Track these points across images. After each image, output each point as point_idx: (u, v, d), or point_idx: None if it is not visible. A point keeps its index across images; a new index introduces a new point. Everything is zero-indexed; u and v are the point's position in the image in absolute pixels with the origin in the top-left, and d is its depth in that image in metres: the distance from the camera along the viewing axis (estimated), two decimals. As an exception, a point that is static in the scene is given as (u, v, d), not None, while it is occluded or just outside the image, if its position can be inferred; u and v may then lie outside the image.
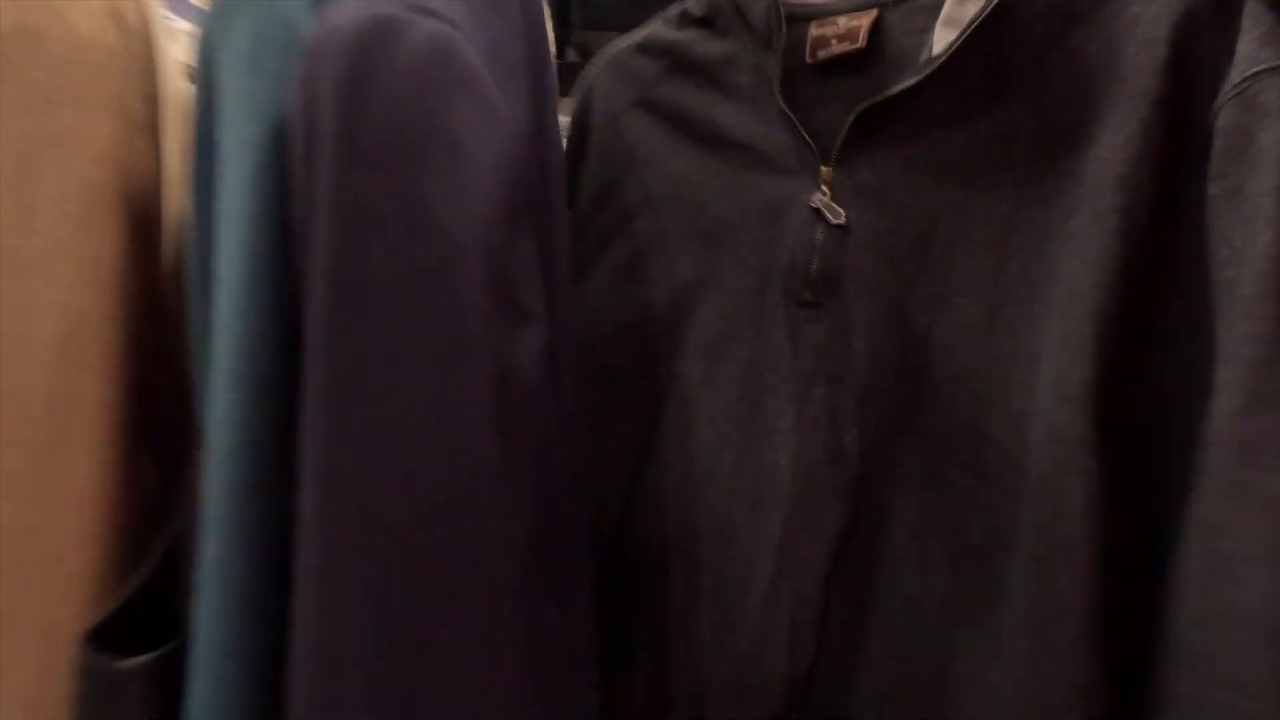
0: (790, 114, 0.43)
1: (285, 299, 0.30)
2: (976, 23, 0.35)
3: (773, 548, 0.41)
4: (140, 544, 0.37)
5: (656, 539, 0.45)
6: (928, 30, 0.41)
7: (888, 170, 0.40)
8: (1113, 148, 0.32)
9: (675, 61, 0.50)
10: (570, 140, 0.56)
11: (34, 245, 0.35)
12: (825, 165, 0.42)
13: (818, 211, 0.42)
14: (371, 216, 0.29)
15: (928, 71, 0.36)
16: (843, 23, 0.43)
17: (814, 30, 0.44)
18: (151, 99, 0.40)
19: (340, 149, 0.28)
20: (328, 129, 0.28)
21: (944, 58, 0.36)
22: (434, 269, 0.30)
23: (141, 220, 0.38)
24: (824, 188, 0.42)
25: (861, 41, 0.42)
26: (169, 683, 0.32)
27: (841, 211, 0.41)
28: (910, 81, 0.37)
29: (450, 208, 0.30)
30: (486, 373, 0.31)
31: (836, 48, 0.43)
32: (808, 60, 0.44)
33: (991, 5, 0.34)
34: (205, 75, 0.33)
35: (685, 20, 0.50)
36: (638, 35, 0.54)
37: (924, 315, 0.38)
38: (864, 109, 0.39)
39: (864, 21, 0.42)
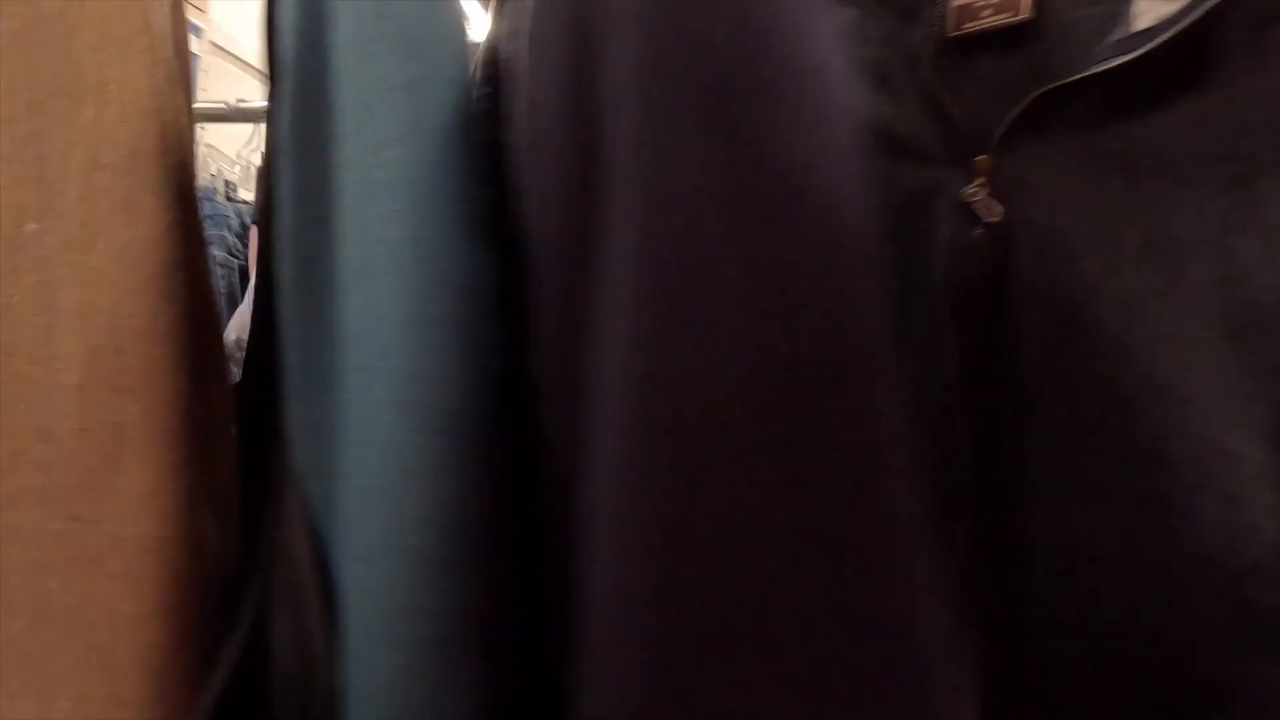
0: (943, 95, 0.38)
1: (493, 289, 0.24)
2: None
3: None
4: (205, 619, 0.29)
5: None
6: (1101, 2, 0.37)
7: (1062, 161, 0.36)
8: None
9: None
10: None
11: (54, 231, 0.25)
12: (982, 154, 0.38)
13: (968, 206, 0.38)
14: (729, 186, 0.22)
15: (1145, 49, 0.32)
16: (995, -9, 0.39)
17: (957, -1, 0.39)
18: (182, 44, 0.31)
19: (675, 96, 0.22)
20: (649, 69, 0.22)
21: (1169, 34, 0.32)
22: (808, 235, 0.23)
23: (183, 198, 0.29)
24: (979, 179, 0.38)
25: (1027, 12, 0.37)
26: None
27: (1000, 208, 0.37)
28: (1119, 60, 0.33)
29: (823, 167, 0.23)
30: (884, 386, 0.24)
31: (991, 19, 0.38)
32: (949, 33, 0.39)
33: None
34: (314, 9, 0.27)
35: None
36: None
37: (1113, 321, 0.34)
38: (1045, 91, 0.35)
39: (1025, -11, 0.38)
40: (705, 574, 0.21)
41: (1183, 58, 0.33)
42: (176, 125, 0.29)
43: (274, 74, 0.29)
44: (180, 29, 0.31)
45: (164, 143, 0.28)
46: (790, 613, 0.21)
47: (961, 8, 0.39)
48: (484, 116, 0.27)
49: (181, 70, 0.31)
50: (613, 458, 0.23)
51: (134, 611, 0.27)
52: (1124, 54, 0.33)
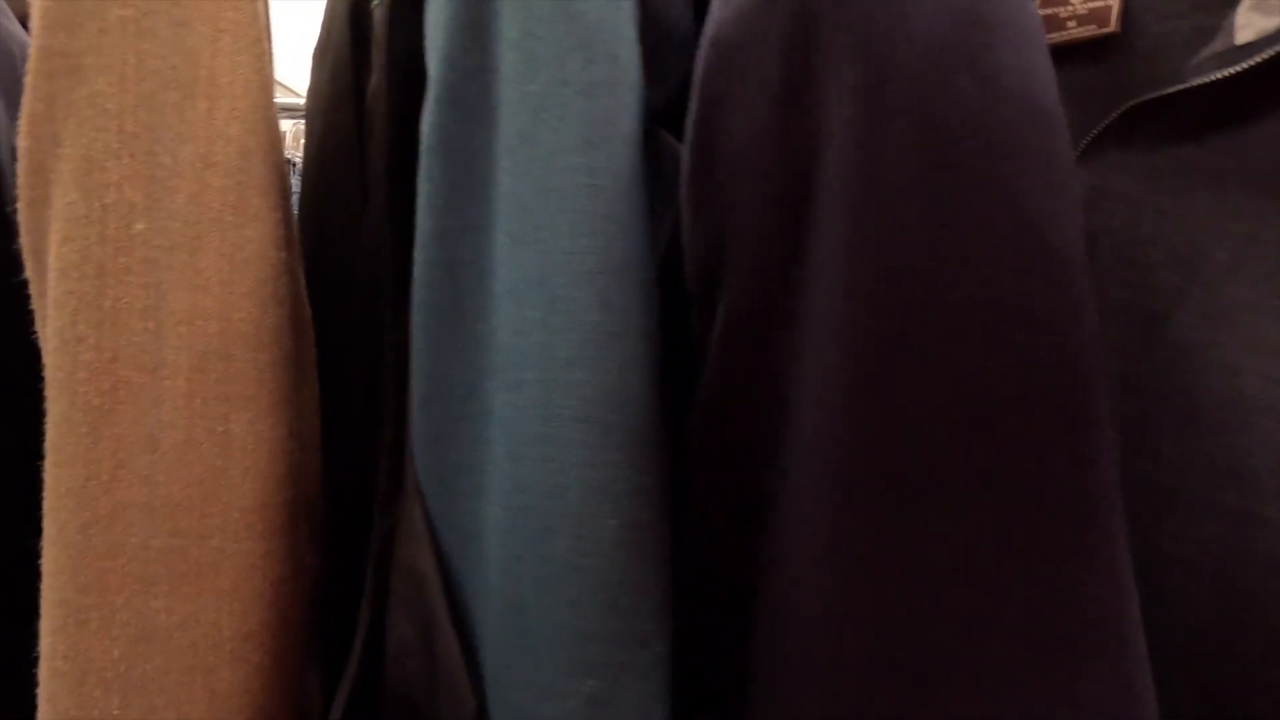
0: (1030, 104, 0.38)
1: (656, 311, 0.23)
2: None
3: None
4: (305, 639, 0.27)
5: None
6: (1187, 15, 0.37)
7: (1148, 172, 0.36)
8: None
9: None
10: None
11: (164, 231, 0.24)
12: (1068, 162, 0.38)
13: (1052, 213, 0.38)
14: (982, 239, 0.22)
15: (1248, 64, 0.32)
16: (1078, 2, 0.39)
17: (1040, 9, 0.39)
18: (269, 32, 0.30)
19: (896, 140, 0.21)
20: (870, 109, 0.21)
21: (1268, 54, 0.32)
22: (1043, 305, 0.22)
23: (285, 198, 0.28)
24: (1063, 187, 0.38)
25: (1114, 25, 0.37)
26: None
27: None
28: (1221, 74, 0.33)
29: (1061, 225, 0.23)
30: (1104, 447, 0.24)
31: (1076, 31, 0.38)
32: (1032, 43, 0.39)
33: None
34: (475, 9, 0.25)
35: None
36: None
37: (1196, 334, 0.35)
38: (1140, 102, 0.35)
39: (1111, 3, 0.38)
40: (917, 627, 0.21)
41: (1273, 73, 0.33)
42: (276, 121, 0.27)
43: (391, 71, 0.28)
44: (268, 21, 0.30)
45: (271, 140, 0.27)
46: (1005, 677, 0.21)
47: (1045, 18, 0.39)
48: (664, 122, 0.26)
49: (272, 59, 0.29)
50: (826, 501, 0.22)
51: (238, 631, 0.25)
52: (1225, 68, 0.33)
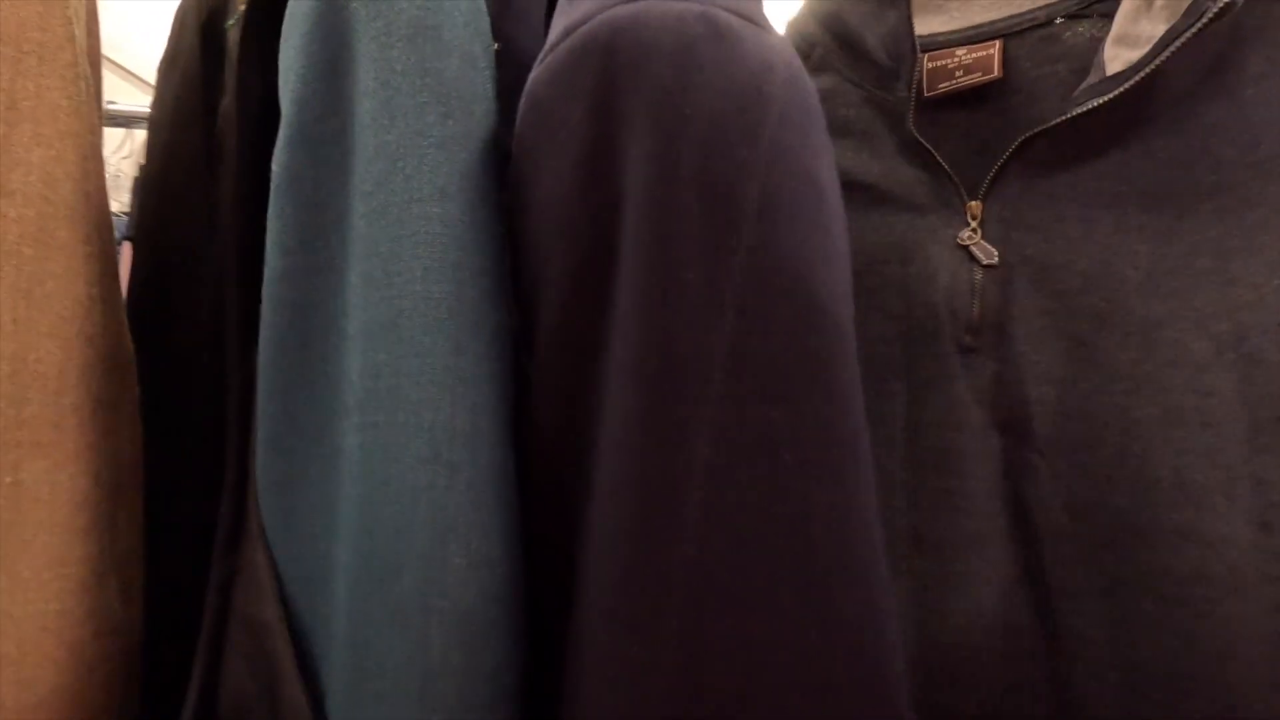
0: (930, 147, 0.38)
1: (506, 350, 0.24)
2: (1183, 39, 0.31)
3: (998, 624, 0.33)
4: (108, 702, 0.23)
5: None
6: (1061, 59, 0.38)
7: (1049, 201, 0.36)
8: None
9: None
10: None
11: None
12: (973, 199, 0.37)
13: (966, 250, 0.37)
14: (756, 293, 0.23)
15: (1120, 90, 0.33)
16: (963, 54, 0.39)
17: (929, 62, 0.40)
18: (96, 56, 0.29)
19: (684, 205, 0.23)
20: (660, 175, 0.23)
21: (1140, 76, 0.32)
22: (815, 354, 0.24)
23: (101, 227, 0.26)
24: (972, 223, 0.37)
25: (997, 71, 0.38)
26: None
27: (994, 251, 0.36)
28: (1098, 101, 0.33)
29: (829, 282, 0.25)
30: (866, 482, 0.26)
31: (964, 80, 0.39)
32: (926, 94, 0.40)
33: (1207, 17, 0.31)
34: (332, 55, 0.25)
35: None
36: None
37: (1123, 354, 0.33)
38: (1031, 135, 0.35)
39: (992, 51, 0.39)
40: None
41: (1151, 98, 0.33)
42: (95, 147, 0.25)
43: (244, 101, 0.27)
44: (95, 40, 0.28)
45: (84, 168, 0.24)
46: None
47: (934, 70, 0.40)
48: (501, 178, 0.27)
49: (97, 86, 0.28)
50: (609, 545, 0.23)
51: (24, 702, 0.21)
52: (1101, 96, 0.33)
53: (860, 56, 0.41)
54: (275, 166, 0.26)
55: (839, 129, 0.42)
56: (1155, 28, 0.34)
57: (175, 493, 0.29)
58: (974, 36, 0.40)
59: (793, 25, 0.46)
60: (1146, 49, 0.33)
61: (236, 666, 0.25)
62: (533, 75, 0.26)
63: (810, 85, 0.27)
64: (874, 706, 0.23)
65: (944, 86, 0.40)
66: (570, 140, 0.24)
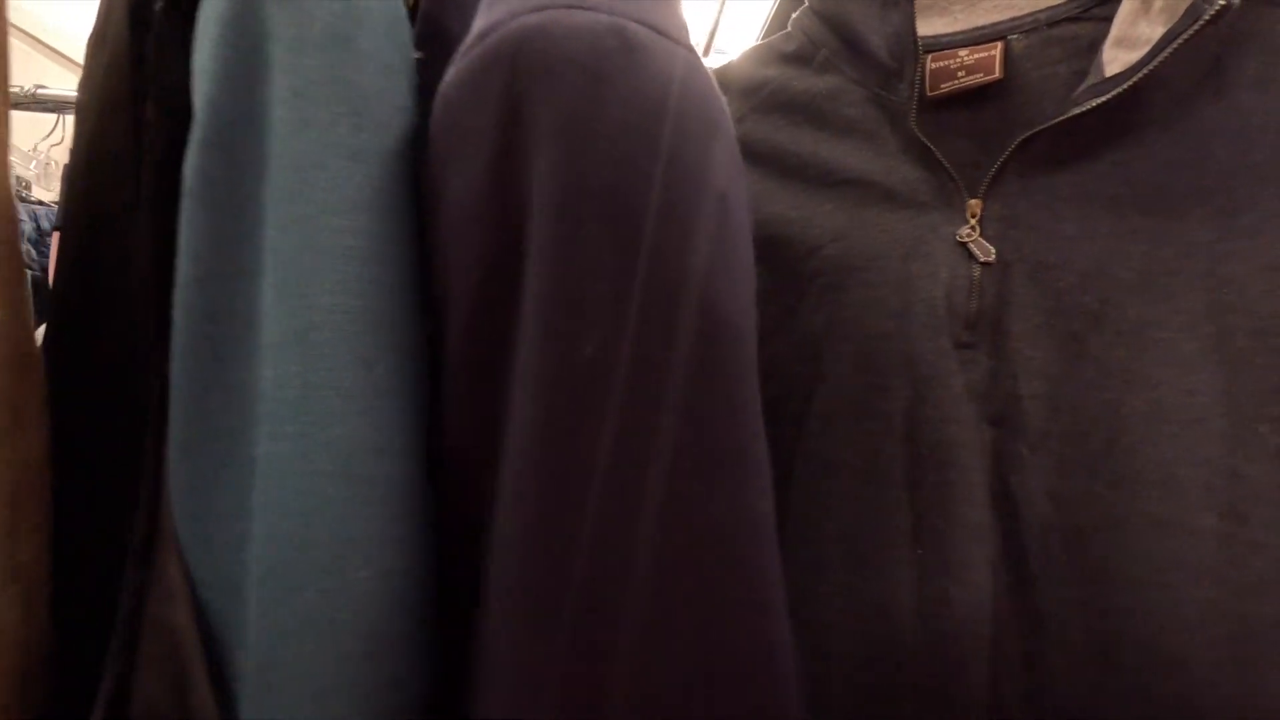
0: (931, 145, 0.40)
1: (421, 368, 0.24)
2: (1179, 41, 0.33)
3: (987, 613, 0.36)
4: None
5: (826, 622, 0.39)
6: (1063, 61, 0.40)
7: (1048, 201, 0.38)
8: None
9: (765, 100, 0.47)
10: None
11: None
12: (973, 198, 0.39)
13: (965, 247, 0.39)
14: (657, 305, 0.24)
15: (1117, 91, 0.35)
16: (965, 55, 0.41)
17: (932, 63, 0.42)
18: (1, 30, 0.27)
19: (587, 216, 0.23)
20: (565, 186, 0.23)
21: (1136, 77, 0.34)
22: (718, 367, 0.25)
23: (5, 225, 0.26)
24: (971, 221, 0.39)
25: (999, 72, 0.40)
26: None
27: (991, 249, 0.39)
28: (1095, 102, 0.35)
29: (731, 294, 0.25)
30: (761, 489, 0.27)
31: (966, 80, 0.41)
32: (928, 93, 0.42)
33: (1204, 19, 0.33)
34: (244, 59, 0.25)
35: (773, 57, 0.47)
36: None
37: (1115, 351, 0.36)
38: (1030, 135, 0.37)
39: (994, 52, 0.40)
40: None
41: (1149, 99, 0.35)
42: (2, 141, 0.25)
43: (159, 102, 0.27)
44: (2, 23, 0.27)
45: None
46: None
47: (937, 70, 0.42)
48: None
49: (4, 72, 0.27)
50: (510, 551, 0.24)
51: None
52: (1099, 97, 0.35)
53: (864, 57, 0.43)
54: (187, 170, 0.26)
55: (844, 128, 0.44)
56: (1154, 30, 0.35)
57: (92, 496, 0.29)
58: (977, 38, 0.42)
59: (797, 25, 0.48)
60: (1145, 51, 0.35)
61: (148, 675, 0.25)
62: (445, 79, 0.26)
63: (719, 101, 0.27)
64: (766, 707, 0.24)
65: (946, 87, 0.41)
66: (479, 148, 0.25)
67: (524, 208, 0.24)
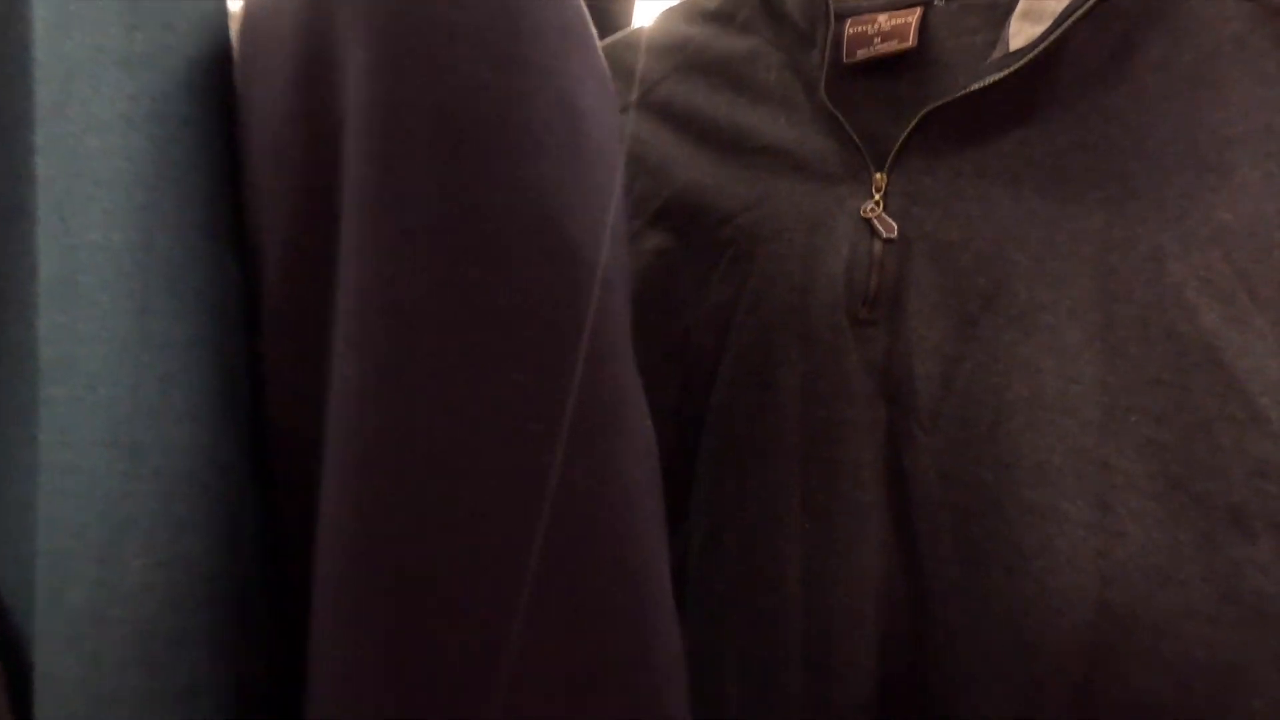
0: (839, 115, 0.39)
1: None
2: (1079, 14, 0.32)
3: (873, 589, 0.37)
4: None
5: (719, 591, 0.40)
6: (980, 30, 0.38)
7: (952, 178, 0.37)
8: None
9: (687, 59, 0.45)
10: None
11: None
12: (879, 171, 0.39)
13: (869, 223, 0.39)
14: (496, 238, 0.20)
15: (1016, 66, 0.33)
16: (883, 20, 0.40)
17: (850, 28, 0.40)
18: None
19: (411, 129, 0.19)
20: (384, 95, 0.19)
21: (1035, 52, 0.33)
22: (567, 308, 0.21)
23: None
24: (875, 196, 0.39)
25: (912, 40, 0.38)
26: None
27: (894, 225, 0.38)
28: (994, 77, 0.34)
29: (580, 219, 0.21)
30: (636, 453, 0.23)
31: (881, 47, 0.39)
32: (844, 60, 0.41)
33: None
34: None
35: (695, 14, 0.46)
36: (628, 30, 0.49)
37: (1004, 335, 0.35)
38: (932, 109, 0.36)
39: (910, 19, 0.39)
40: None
41: (1054, 77, 0.34)
42: None
43: None
44: None
45: None
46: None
47: (855, 35, 0.40)
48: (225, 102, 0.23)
49: None
50: (339, 496, 0.21)
51: None
52: (1001, 71, 0.34)
53: (781, 19, 0.41)
54: None
55: (759, 93, 0.43)
56: (1059, 2, 0.34)
57: None
58: (897, 2, 0.40)
59: (721, -18, 0.46)
60: (1049, 23, 0.34)
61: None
62: None
63: (579, 7, 0.24)
64: (642, 697, 0.21)
65: (862, 54, 0.40)
66: (284, 55, 0.21)
67: (339, 126, 0.21)
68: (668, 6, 0.47)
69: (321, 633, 0.21)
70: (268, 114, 0.22)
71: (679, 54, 0.45)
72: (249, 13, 0.22)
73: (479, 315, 0.20)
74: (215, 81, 0.23)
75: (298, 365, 0.22)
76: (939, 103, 0.36)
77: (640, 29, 0.47)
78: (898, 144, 0.38)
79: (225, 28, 0.22)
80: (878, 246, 0.38)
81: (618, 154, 0.24)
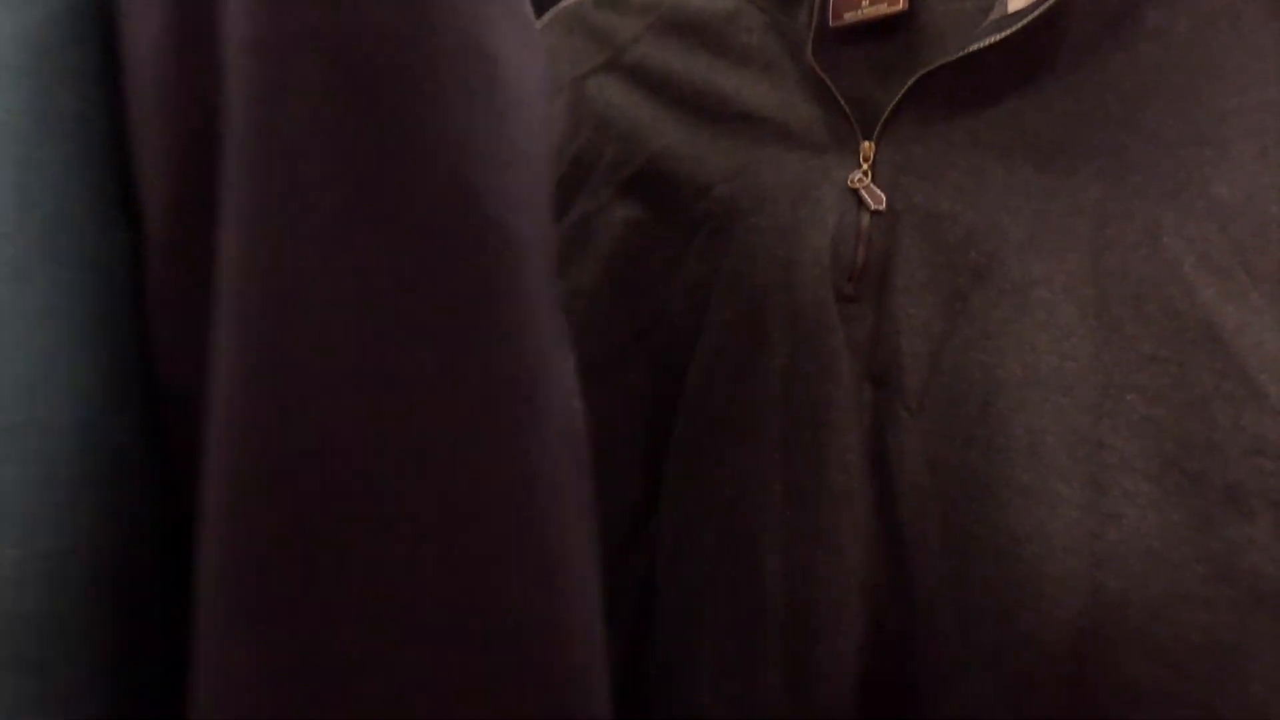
0: (828, 81, 0.37)
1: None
2: None
3: (857, 582, 0.35)
4: None
5: (694, 586, 0.38)
6: (971, -6, 0.37)
7: (944, 148, 0.35)
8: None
9: (662, 18, 0.43)
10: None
11: None
12: (867, 140, 0.37)
13: (855, 193, 0.37)
14: (397, 199, 0.18)
15: (1015, 28, 0.32)
16: (873, -17, 0.38)
17: (838, -10, 0.39)
18: None
19: (296, 71, 0.17)
20: (265, 31, 0.17)
21: (1035, 14, 0.32)
22: (476, 276, 0.19)
23: None
24: (863, 165, 0.37)
25: (903, 3, 0.37)
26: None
27: (883, 196, 0.36)
28: (993, 38, 0.32)
29: (492, 178, 0.20)
30: (546, 439, 0.21)
31: (869, 10, 0.38)
32: (831, 23, 0.39)
33: None
34: None
35: (673, -29, 0.43)
36: (598, -13, 0.46)
37: (997, 311, 0.34)
38: (925, 74, 0.34)
39: (901, -18, 0.37)
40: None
41: (1051, 43, 0.33)
42: None
43: None
44: None
45: None
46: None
47: (842, -2, 0.38)
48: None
49: None
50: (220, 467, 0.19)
51: None
52: (998, 33, 0.32)
53: (763, -24, 0.39)
54: None
55: (740, 56, 0.40)
56: None
57: None
58: (886, -37, 0.39)
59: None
60: None
61: None
62: None
63: None
64: (535, 707, 0.19)
65: (850, 17, 0.38)
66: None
67: (218, 68, 0.18)
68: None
69: (201, 627, 0.19)
70: (147, 52, 0.19)
71: (654, 12, 0.43)
72: None
73: (374, 284, 0.18)
74: (100, 20, 0.20)
75: (183, 341, 0.20)
76: (932, 66, 0.34)
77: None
78: (887, 111, 0.36)
79: None
80: (865, 219, 0.36)
81: (542, 110, 0.22)
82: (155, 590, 0.20)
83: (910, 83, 0.35)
